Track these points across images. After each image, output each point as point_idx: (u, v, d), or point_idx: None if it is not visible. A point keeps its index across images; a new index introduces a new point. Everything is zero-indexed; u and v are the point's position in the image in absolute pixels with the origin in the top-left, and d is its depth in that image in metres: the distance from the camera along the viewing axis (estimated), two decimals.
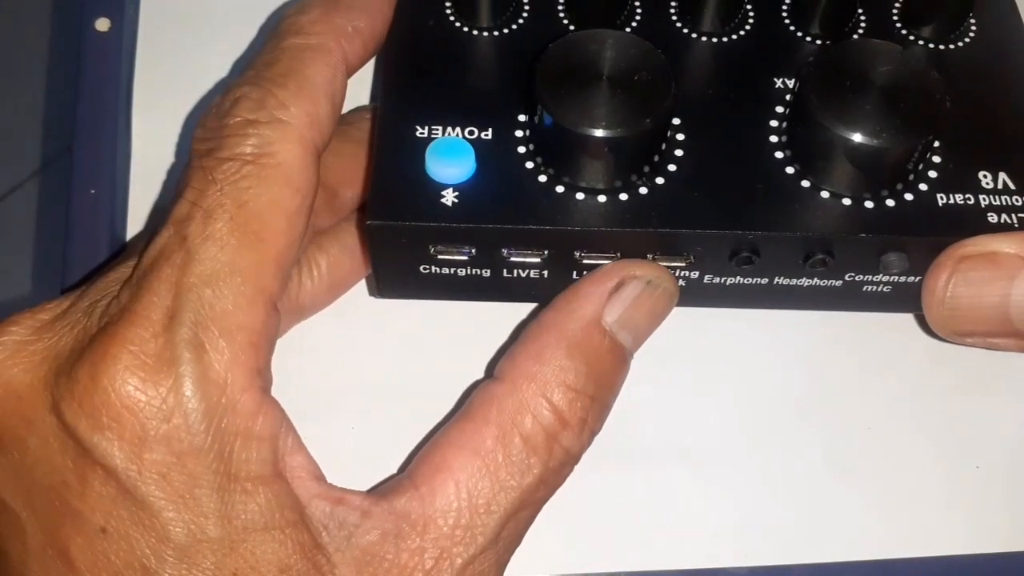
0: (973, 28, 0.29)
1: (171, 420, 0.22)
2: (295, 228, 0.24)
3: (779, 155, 0.26)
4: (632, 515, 0.28)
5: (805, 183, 0.25)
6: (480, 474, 0.24)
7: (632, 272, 0.25)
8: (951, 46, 0.29)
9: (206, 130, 0.25)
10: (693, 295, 0.26)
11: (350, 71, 0.27)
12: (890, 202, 0.25)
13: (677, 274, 0.26)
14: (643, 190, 0.25)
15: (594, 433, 0.25)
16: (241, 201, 0.23)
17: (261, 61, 0.26)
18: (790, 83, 0.27)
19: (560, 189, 0.25)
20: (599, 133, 0.24)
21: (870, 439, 0.28)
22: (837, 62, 0.25)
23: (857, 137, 0.24)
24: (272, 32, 0.26)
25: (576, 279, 0.26)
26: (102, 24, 0.34)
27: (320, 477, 0.24)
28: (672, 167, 0.26)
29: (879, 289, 0.26)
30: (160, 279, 0.23)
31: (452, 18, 0.29)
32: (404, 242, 0.25)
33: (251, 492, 0.22)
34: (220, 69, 0.33)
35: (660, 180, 0.25)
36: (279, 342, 0.29)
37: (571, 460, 0.25)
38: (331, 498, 0.23)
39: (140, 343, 0.22)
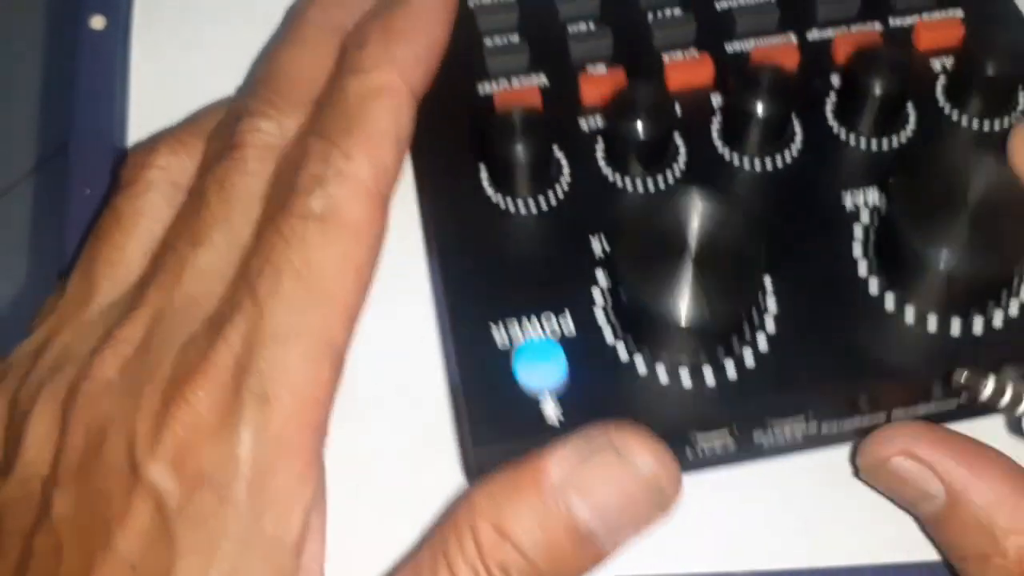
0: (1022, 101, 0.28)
1: (226, 467, 0.23)
2: (363, 278, 0.25)
3: (874, 291, 0.25)
4: None
5: (909, 319, 0.24)
6: None
7: (610, 437, 0.22)
8: (1000, 123, 0.27)
9: (278, 183, 0.25)
10: (811, 442, 0.26)
11: (417, 97, 0.27)
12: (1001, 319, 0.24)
13: (794, 428, 0.25)
14: (748, 356, 0.24)
15: None
16: (308, 259, 0.24)
17: (328, 109, 0.26)
18: (859, 199, 0.26)
19: (663, 377, 0.24)
20: (688, 324, 0.22)
21: None
22: (922, 185, 0.23)
23: (962, 269, 0.22)
24: (340, 69, 0.27)
25: (688, 455, 0.25)
26: (97, 22, 0.34)
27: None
28: (770, 323, 0.24)
29: None
30: (234, 329, 0.23)
31: (490, 192, 0.27)
32: (509, 458, 0.23)
33: (267, 558, 0.23)
34: (216, 66, 0.33)
35: (762, 341, 0.24)
36: None
37: None
38: None
39: (211, 390, 0.23)
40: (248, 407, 0.23)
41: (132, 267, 0.27)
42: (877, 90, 0.26)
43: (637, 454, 0.22)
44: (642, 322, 0.23)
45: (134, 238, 0.27)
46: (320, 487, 0.24)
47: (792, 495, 0.28)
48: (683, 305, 0.22)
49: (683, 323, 0.22)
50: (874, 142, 0.27)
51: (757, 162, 0.27)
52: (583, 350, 0.24)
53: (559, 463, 0.22)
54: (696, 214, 0.23)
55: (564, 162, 0.27)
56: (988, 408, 0.23)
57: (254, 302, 0.24)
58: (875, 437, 0.25)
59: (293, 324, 0.23)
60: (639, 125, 0.25)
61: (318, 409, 0.24)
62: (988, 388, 0.23)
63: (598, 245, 0.26)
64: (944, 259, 0.22)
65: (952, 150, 0.24)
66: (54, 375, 0.25)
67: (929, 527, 0.26)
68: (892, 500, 0.26)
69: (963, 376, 0.23)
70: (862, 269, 0.25)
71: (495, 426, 0.23)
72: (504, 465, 0.23)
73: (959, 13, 0.29)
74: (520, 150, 0.25)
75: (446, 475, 0.27)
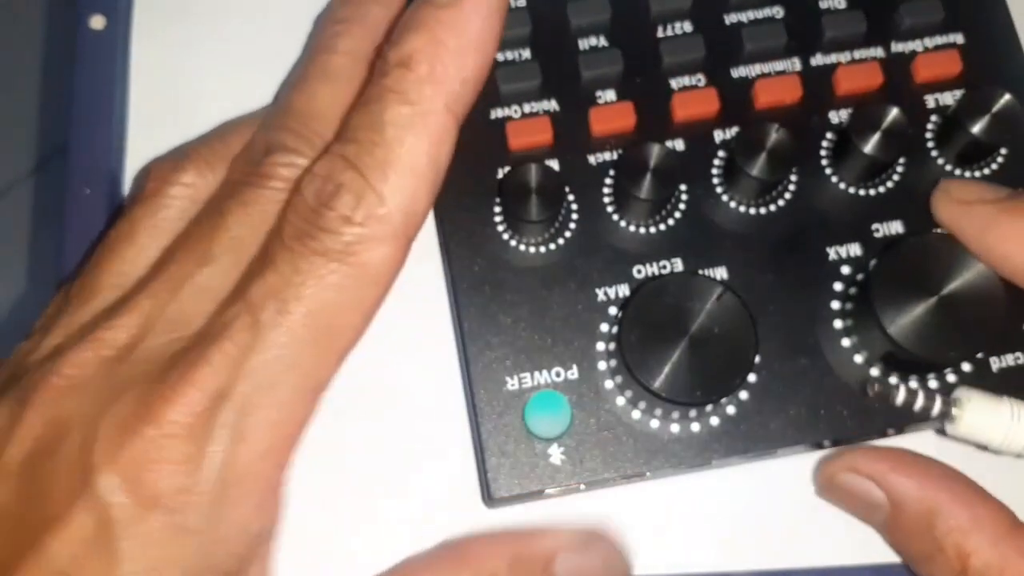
0: (1001, 156, 0.29)
1: (185, 495, 0.22)
2: (369, 320, 0.24)
3: (846, 344, 0.27)
4: (634, 519, 0.28)
5: (875, 372, 0.27)
6: None
7: (599, 540, 0.26)
8: (977, 173, 0.29)
9: (303, 209, 0.23)
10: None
11: (460, 123, 0.24)
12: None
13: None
14: (730, 409, 0.27)
15: None
16: (322, 300, 0.23)
17: (363, 134, 0.24)
18: (842, 251, 0.28)
19: (654, 424, 0.27)
20: (688, 400, 0.25)
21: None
22: (901, 274, 0.25)
23: (931, 357, 0.25)
24: (380, 83, 0.24)
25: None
26: (97, 22, 0.34)
27: None
28: (752, 377, 0.27)
29: None
30: (222, 353, 0.22)
31: (502, 229, 0.28)
32: (523, 499, 0.27)
33: None
34: (216, 66, 0.33)
35: (744, 395, 0.27)
36: None
37: None
38: None
39: (185, 413, 0.22)
40: (219, 439, 0.22)
41: (136, 278, 0.26)
42: (873, 156, 0.27)
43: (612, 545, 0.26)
44: (639, 390, 0.25)
45: (144, 252, 0.26)
46: (275, 514, 0.24)
47: (791, 495, 0.28)
48: (672, 381, 0.25)
49: (672, 398, 0.25)
50: (863, 191, 0.28)
51: (752, 208, 0.28)
52: (585, 398, 0.27)
53: (559, 544, 0.25)
54: (707, 304, 0.25)
55: (573, 198, 0.28)
56: (910, 416, 0.25)
57: (253, 330, 0.22)
58: (826, 458, 0.27)
59: (287, 360, 0.23)
60: (645, 187, 0.27)
61: (288, 447, 0.23)
62: (900, 396, 0.25)
63: (603, 296, 0.27)
64: (903, 339, 0.25)
65: (942, 242, 0.26)
66: (31, 370, 0.24)
67: (883, 536, 0.27)
68: (854, 516, 0.27)
69: (876, 387, 0.25)
70: (837, 323, 0.27)
71: (513, 479, 0.26)
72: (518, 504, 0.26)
73: (960, 38, 0.30)
74: (534, 212, 0.26)
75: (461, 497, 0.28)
